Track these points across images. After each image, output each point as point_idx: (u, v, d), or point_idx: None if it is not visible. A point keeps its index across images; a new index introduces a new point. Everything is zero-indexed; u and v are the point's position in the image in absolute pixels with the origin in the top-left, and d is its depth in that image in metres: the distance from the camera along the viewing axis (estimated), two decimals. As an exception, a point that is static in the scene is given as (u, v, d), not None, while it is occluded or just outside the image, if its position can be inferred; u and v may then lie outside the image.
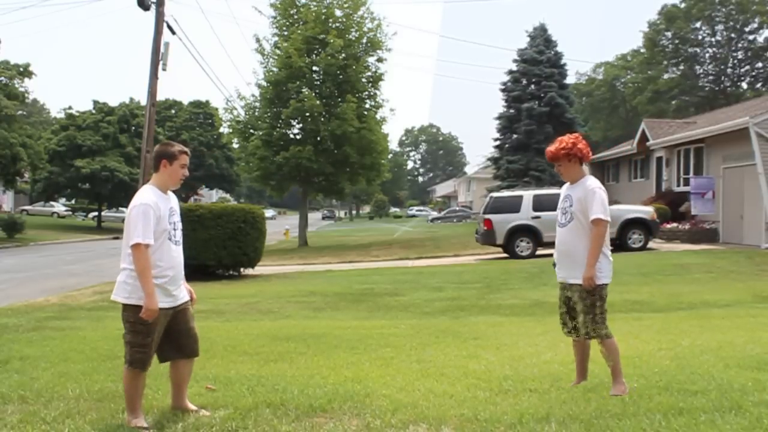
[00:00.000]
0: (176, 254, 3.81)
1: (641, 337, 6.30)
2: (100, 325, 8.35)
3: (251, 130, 27.62)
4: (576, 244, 4.22)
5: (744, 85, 48.85)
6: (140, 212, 3.61)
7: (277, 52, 26.77)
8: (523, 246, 17.45)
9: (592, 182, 4.27)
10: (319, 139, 26.20)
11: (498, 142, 36.09)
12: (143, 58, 75.58)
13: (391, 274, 15.39)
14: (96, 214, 45.77)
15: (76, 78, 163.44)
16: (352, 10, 26.69)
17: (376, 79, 27.83)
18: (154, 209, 3.65)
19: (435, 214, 66.07)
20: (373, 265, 18.51)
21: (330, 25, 26.48)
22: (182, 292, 3.89)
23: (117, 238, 36.42)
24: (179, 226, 3.89)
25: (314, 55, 26.53)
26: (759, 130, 16.39)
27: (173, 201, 3.90)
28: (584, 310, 4.18)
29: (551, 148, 4.37)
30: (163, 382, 4.25)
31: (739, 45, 47.77)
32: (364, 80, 27.25)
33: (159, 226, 3.67)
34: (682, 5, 46.72)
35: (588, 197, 4.18)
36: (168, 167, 3.80)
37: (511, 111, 34.74)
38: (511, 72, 35.65)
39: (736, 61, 48.58)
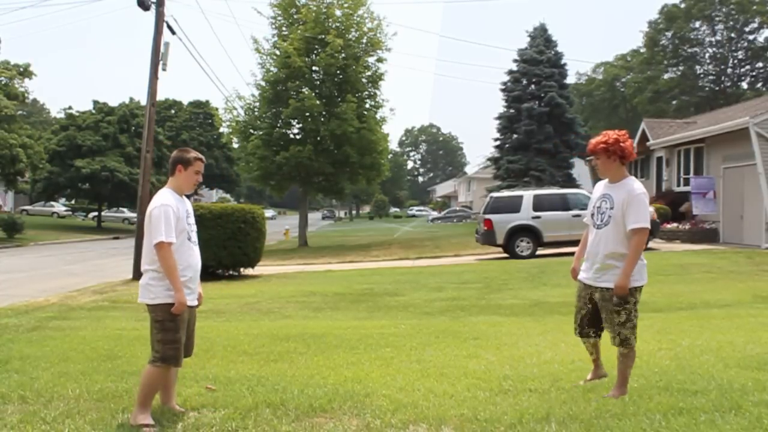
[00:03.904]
0: (195, 254, 3.97)
1: (641, 337, 6.22)
2: (100, 325, 8.35)
3: (251, 130, 27.61)
4: (612, 248, 4.01)
5: (744, 85, 48.88)
6: (161, 213, 3.76)
7: (276, 52, 26.76)
8: (523, 246, 17.46)
9: (637, 186, 4.05)
10: (319, 138, 26.19)
11: (498, 142, 36.11)
12: (143, 58, 75.68)
13: (391, 274, 15.37)
14: (96, 214, 45.76)
15: (76, 78, 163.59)
16: (352, 10, 26.65)
17: (376, 79, 27.80)
18: (174, 210, 3.80)
19: (435, 214, 66.00)
20: (373, 265, 18.49)
21: (330, 25, 26.46)
22: (197, 292, 4.04)
23: (117, 238, 36.41)
24: (195, 228, 4.05)
25: (314, 55, 26.50)
26: (759, 130, 16.40)
27: (188, 204, 4.07)
28: (616, 314, 3.99)
29: (592, 140, 4.22)
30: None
31: (739, 45, 47.80)
32: (364, 80, 27.22)
33: (178, 226, 3.82)
34: (682, 5, 46.74)
35: (632, 202, 3.99)
36: (183, 172, 3.97)
37: (511, 111, 34.74)
38: (511, 72, 35.68)
39: (736, 61, 48.61)
